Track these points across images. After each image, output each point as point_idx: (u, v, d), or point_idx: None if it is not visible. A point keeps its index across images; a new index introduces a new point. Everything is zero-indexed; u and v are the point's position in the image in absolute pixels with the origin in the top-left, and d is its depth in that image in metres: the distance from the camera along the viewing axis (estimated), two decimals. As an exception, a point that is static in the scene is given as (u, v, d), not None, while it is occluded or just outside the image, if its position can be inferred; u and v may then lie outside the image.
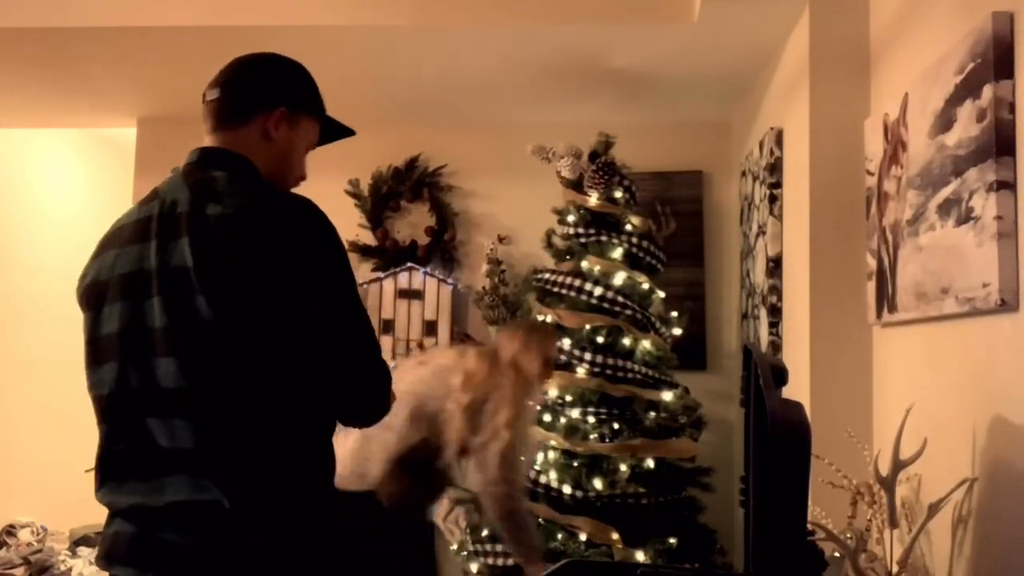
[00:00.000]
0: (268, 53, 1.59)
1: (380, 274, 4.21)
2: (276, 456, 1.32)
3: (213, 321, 1.29)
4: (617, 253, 3.39)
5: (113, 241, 1.46)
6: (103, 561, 1.37)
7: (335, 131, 1.71)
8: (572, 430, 3.19)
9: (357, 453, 2.46)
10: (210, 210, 1.34)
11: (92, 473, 1.43)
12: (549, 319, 3.40)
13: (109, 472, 1.38)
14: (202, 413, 1.30)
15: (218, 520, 1.29)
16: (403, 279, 4.21)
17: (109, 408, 1.40)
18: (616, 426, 3.21)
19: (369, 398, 1.41)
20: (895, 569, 2.12)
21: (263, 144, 1.49)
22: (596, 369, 3.23)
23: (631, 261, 3.40)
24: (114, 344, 1.38)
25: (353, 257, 4.10)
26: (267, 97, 1.51)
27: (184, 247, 1.32)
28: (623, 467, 3.13)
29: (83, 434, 5.65)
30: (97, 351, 1.43)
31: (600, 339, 3.26)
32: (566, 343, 3.28)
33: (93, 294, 1.46)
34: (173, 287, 1.32)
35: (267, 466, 1.31)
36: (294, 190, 1.51)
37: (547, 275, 3.46)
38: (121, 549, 1.34)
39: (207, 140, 1.52)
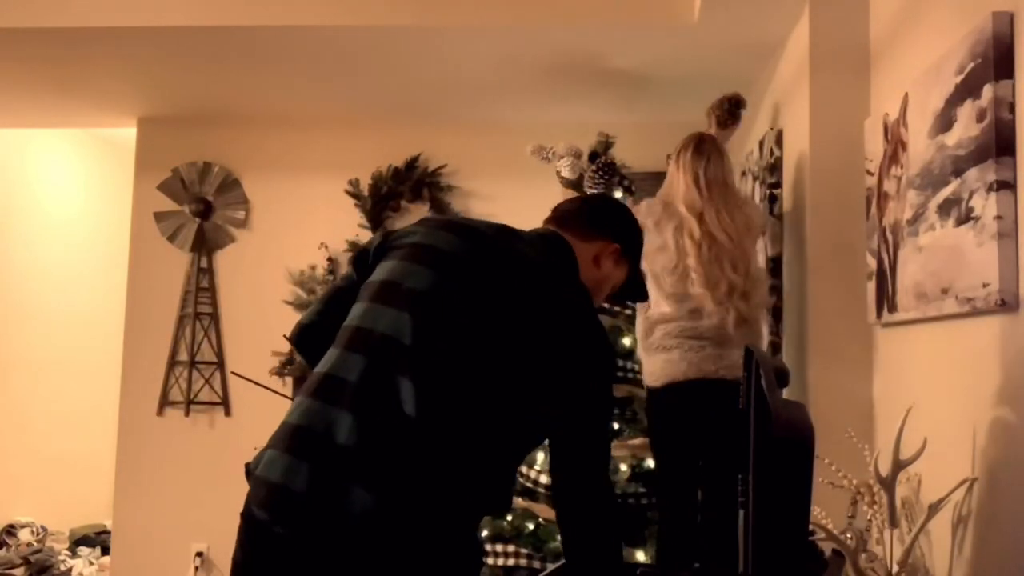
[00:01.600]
0: (625, 205, 1.91)
1: (380, 274, 4.21)
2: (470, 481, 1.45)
3: (480, 350, 1.46)
4: (617, 253, 3.39)
5: (451, 228, 1.63)
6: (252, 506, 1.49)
7: (631, 290, 1.89)
8: (572, 430, 3.18)
9: None
10: (526, 257, 1.57)
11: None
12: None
13: (309, 388, 1.51)
14: (426, 403, 1.41)
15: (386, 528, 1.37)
16: (403, 279, 4.21)
17: (355, 344, 1.51)
18: (616, 426, 3.21)
19: (584, 498, 1.54)
20: (895, 569, 2.13)
21: (591, 267, 1.71)
22: (596, 369, 3.23)
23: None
24: (410, 299, 1.51)
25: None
26: (613, 232, 1.75)
27: (493, 278, 1.53)
28: (623, 467, 3.13)
29: (83, 434, 5.68)
30: (388, 295, 1.54)
31: (600, 339, 3.26)
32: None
33: (415, 250, 1.58)
34: (462, 303, 1.51)
35: (446, 484, 1.42)
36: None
37: (547, 275, 3.46)
38: (266, 493, 1.46)
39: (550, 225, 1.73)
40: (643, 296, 1.93)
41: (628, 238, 1.77)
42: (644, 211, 2.78)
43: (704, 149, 2.88)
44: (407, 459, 1.39)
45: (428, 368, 1.43)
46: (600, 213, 1.76)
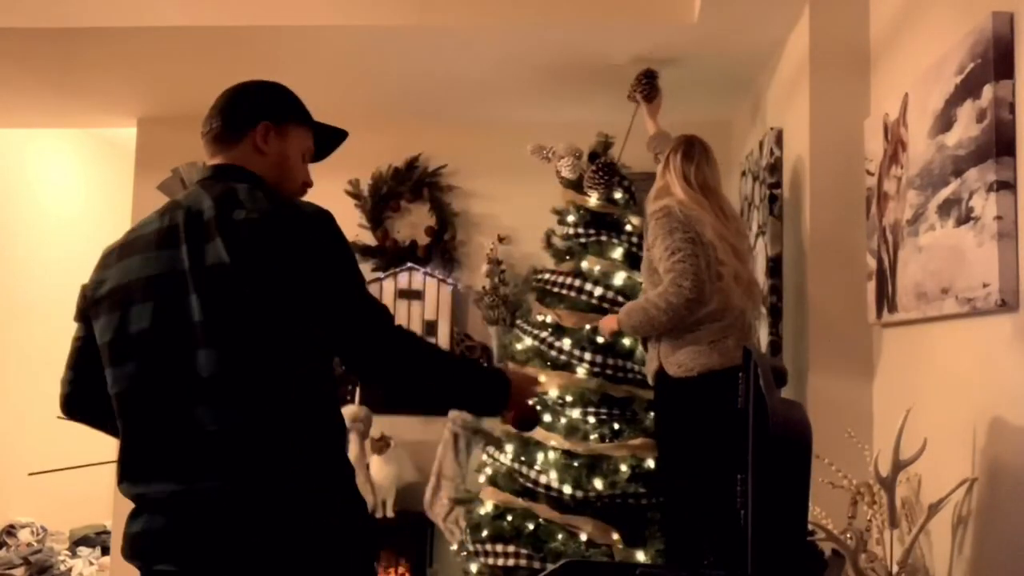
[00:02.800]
0: (250, 81, 1.75)
1: (380, 274, 4.21)
2: (307, 433, 1.47)
3: (255, 310, 1.43)
4: (617, 253, 3.39)
5: (132, 249, 1.56)
6: (134, 553, 1.49)
7: (331, 137, 1.85)
8: (572, 430, 3.19)
9: None
10: (236, 215, 1.48)
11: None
12: (549, 319, 3.40)
13: (133, 467, 1.50)
14: (242, 399, 1.43)
15: (265, 499, 1.42)
16: (403, 279, 4.21)
17: (140, 401, 1.49)
18: (616, 426, 3.21)
19: (389, 353, 1.54)
20: (895, 569, 2.12)
21: (257, 157, 1.63)
22: (596, 369, 3.23)
23: (631, 261, 3.40)
24: (148, 339, 1.48)
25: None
26: (251, 116, 1.65)
27: (219, 247, 1.45)
28: (623, 467, 3.13)
29: (83, 434, 5.64)
30: (125, 347, 1.51)
31: (600, 339, 3.26)
32: (566, 343, 3.29)
33: (116, 298, 1.54)
34: (211, 284, 1.45)
35: (302, 444, 1.46)
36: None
37: (547, 275, 3.46)
38: (158, 543, 1.45)
39: (212, 162, 1.65)
40: (339, 132, 1.87)
41: (268, 108, 1.68)
42: (675, 214, 2.77)
43: (691, 151, 2.92)
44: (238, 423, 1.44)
45: (231, 338, 1.44)
46: (230, 112, 1.65)
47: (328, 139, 1.84)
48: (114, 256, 1.59)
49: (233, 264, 1.43)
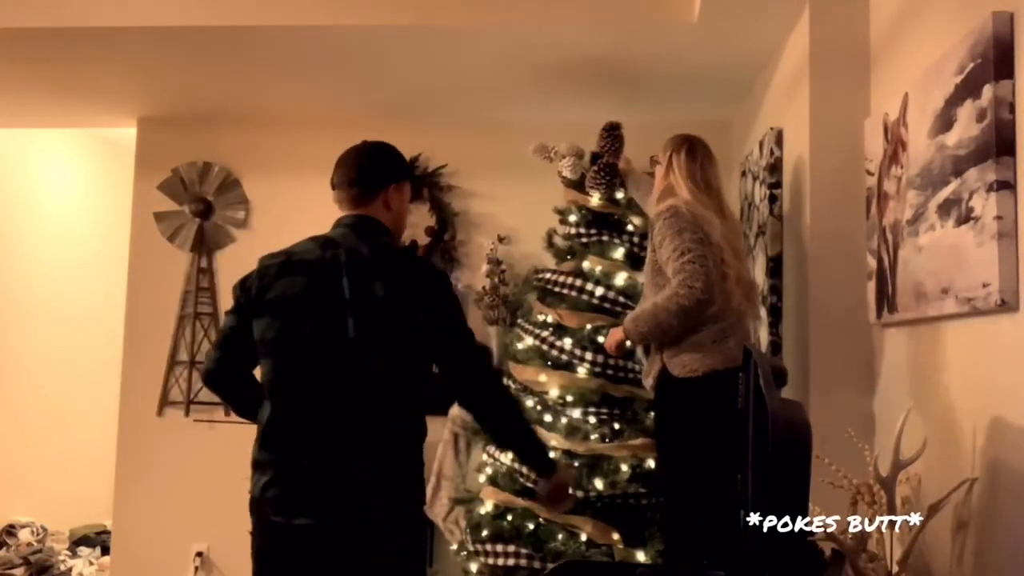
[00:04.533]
0: (376, 145, 2.21)
1: (380, 274, 4.21)
2: (416, 429, 2.02)
3: (398, 336, 1.96)
4: (618, 253, 3.39)
5: (293, 269, 2.02)
6: (275, 509, 1.93)
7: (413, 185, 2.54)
8: (573, 430, 3.19)
9: None
10: (388, 260, 2.02)
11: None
12: (550, 319, 3.40)
13: (277, 438, 1.96)
14: (377, 397, 1.95)
15: (383, 472, 1.93)
16: (403, 279, 4.21)
17: (290, 390, 1.97)
18: (617, 426, 3.21)
19: (479, 375, 2.10)
20: (895, 569, 2.12)
21: (385, 211, 2.13)
22: (597, 369, 3.23)
23: (632, 261, 3.40)
24: (311, 344, 1.95)
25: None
26: (382, 180, 2.14)
27: (379, 286, 1.97)
28: (624, 467, 3.13)
29: (83, 434, 5.67)
30: (289, 346, 1.97)
31: (601, 339, 3.26)
32: (567, 343, 3.29)
33: (280, 306, 1.99)
34: (369, 311, 1.96)
35: (411, 436, 2.01)
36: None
37: (548, 275, 3.46)
38: (298, 502, 1.92)
39: (352, 211, 2.13)
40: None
41: (392, 170, 2.16)
42: (684, 213, 2.75)
43: (694, 151, 2.91)
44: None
45: (378, 353, 1.96)
46: (366, 174, 2.12)
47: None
48: (274, 270, 2.03)
49: (387, 298, 1.95)
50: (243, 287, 2.05)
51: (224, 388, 2.12)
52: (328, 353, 1.93)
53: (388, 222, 2.12)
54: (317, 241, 2.05)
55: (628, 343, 2.90)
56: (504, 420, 2.14)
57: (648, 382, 2.87)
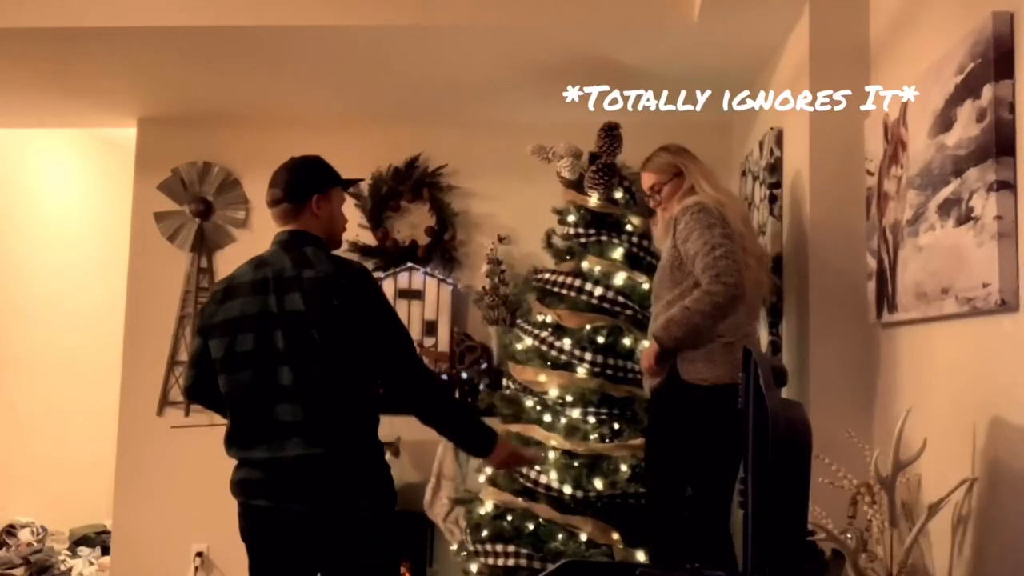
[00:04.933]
0: (296, 161, 2.42)
1: (380, 274, 4.20)
2: (353, 423, 2.21)
3: (319, 343, 2.16)
4: (617, 253, 3.39)
5: (234, 292, 2.27)
6: (239, 493, 2.25)
7: (353, 181, 2.56)
8: (572, 430, 3.19)
9: None
10: (306, 273, 2.21)
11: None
12: (549, 319, 3.40)
13: (239, 439, 2.25)
14: (310, 399, 2.16)
15: (325, 464, 2.16)
16: (403, 279, 4.21)
17: (243, 398, 2.23)
18: (616, 426, 3.21)
19: (414, 385, 2.26)
20: (895, 569, 2.12)
21: (315, 220, 2.34)
22: (597, 369, 3.23)
23: (631, 261, 3.40)
24: (250, 358, 2.21)
25: (353, 257, 4.10)
26: (306, 192, 2.34)
27: (296, 298, 2.18)
28: (624, 467, 3.13)
29: (83, 434, 5.66)
30: (235, 362, 2.23)
31: (601, 339, 3.26)
32: (567, 343, 3.29)
33: (226, 327, 2.25)
34: (291, 322, 2.18)
35: (348, 429, 2.20)
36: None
37: (547, 275, 3.46)
38: (255, 487, 2.21)
39: (285, 226, 2.34)
40: (356, 180, 2.65)
41: (315, 181, 2.36)
42: (713, 200, 2.75)
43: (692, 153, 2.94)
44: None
45: (302, 361, 2.18)
46: (291, 190, 2.33)
47: (351, 182, 2.52)
48: (220, 295, 2.29)
49: (305, 310, 2.16)
50: (201, 312, 2.35)
51: (203, 400, 2.41)
52: (265, 365, 2.19)
53: (320, 230, 2.34)
54: (252, 263, 2.30)
55: (664, 353, 2.72)
56: (433, 406, 2.30)
57: (651, 383, 2.80)
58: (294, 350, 2.16)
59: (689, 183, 2.85)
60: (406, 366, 2.24)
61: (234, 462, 2.31)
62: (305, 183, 2.34)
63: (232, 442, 2.28)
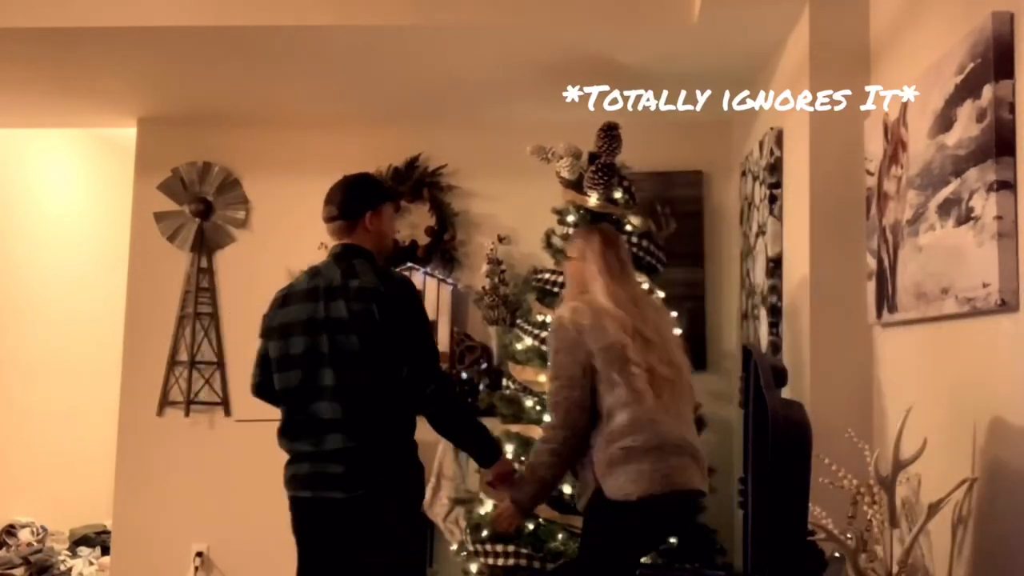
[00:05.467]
0: (353, 178, 2.58)
1: (380, 274, 4.20)
2: (388, 422, 2.36)
3: (359, 348, 2.32)
4: (617, 253, 3.38)
5: (291, 300, 2.45)
6: (290, 486, 2.40)
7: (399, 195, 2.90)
8: (572, 430, 3.18)
9: None
10: (352, 284, 2.37)
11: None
12: (549, 319, 3.40)
13: (288, 432, 2.42)
14: (348, 399, 2.32)
15: (359, 457, 2.32)
16: (403, 279, 4.20)
17: (292, 396, 2.40)
18: (616, 426, 3.20)
19: (433, 395, 2.38)
20: (895, 569, 2.12)
21: (367, 235, 2.49)
22: (596, 369, 3.22)
23: (631, 261, 3.40)
24: (299, 359, 2.38)
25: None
26: (359, 209, 2.49)
27: (341, 306, 2.35)
28: (623, 467, 3.12)
29: (83, 434, 5.66)
30: (287, 362, 2.41)
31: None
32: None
33: (282, 329, 2.44)
34: (335, 328, 2.34)
35: (384, 427, 2.35)
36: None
37: (547, 275, 3.46)
38: (301, 480, 2.36)
39: (340, 240, 2.50)
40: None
41: (367, 199, 2.50)
42: (577, 314, 2.52)
43: (608, 237, 2.68)
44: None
45: (343, 363, 2.34)
46: (346, 207, 2.48)
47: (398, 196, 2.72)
48: (279, 301, 2.49)
49: (349, 317, 2.33)
50: (264, 317, 2.52)
51: (266, 397, 2.55)
52: (311, 366, 2.36)
53: (371, 244, 2.49)
54: (309, 272, 2.48)
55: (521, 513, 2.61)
56: (452, 417, 2.46)
57: (581, 503, 2.55)
58: (336, 354, 2.33)
59: (584, 275, 2.62)
60: (428, 375, 2.37)
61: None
62: (358, 201, 2.50)
63: (283, 434, 2.45)
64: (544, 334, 3.34)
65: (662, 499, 2.34)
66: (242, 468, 4.15)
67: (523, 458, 3.24)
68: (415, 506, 2.46)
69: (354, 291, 2.35)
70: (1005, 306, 1.83)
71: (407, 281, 2.45)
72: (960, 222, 2.00)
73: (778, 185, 3.20)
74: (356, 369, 2.32)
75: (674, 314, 3.53)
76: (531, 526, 3.19)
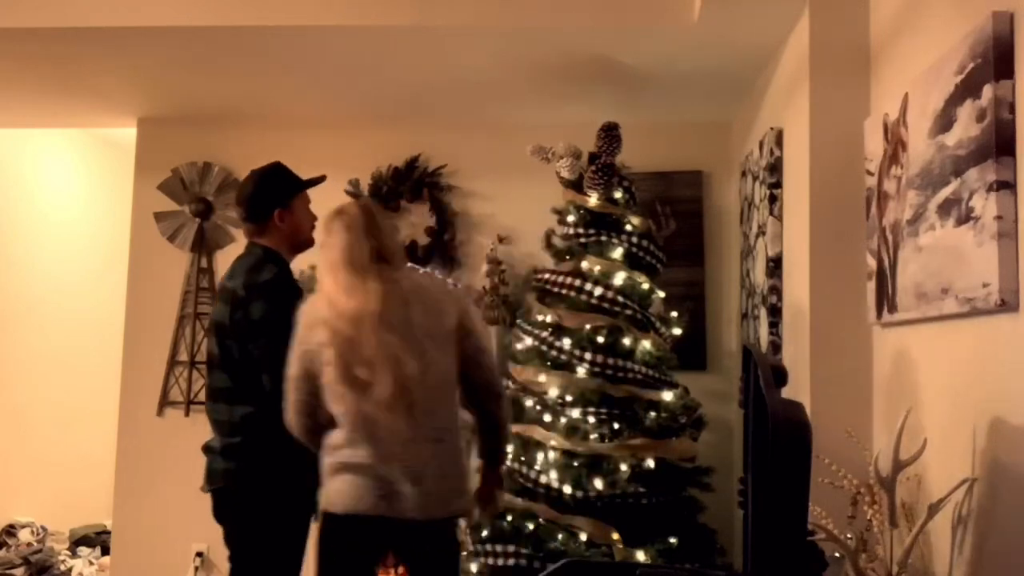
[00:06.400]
0: (256, 173, 2.54)
1: (380, 274, 4.20)
2: (264, 414, 2.37)
3: (234, 349, 2.45)
4: (617, 253, 3.39)
5: (218, 296, 2.59)
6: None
7: (313, 182, 2.62)
8: (572, 430, 3.19)
9: None
10: (236, 287, 2.45)
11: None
12: (549, 319, 3.40)
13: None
14: (233, 399, 2.46)
15: (239, 454, 2.46)
16: (403, 279, 4.20)
17: (207, 394, 2.59)
18: (616, 426, 3.21)
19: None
20: (895, 569, 2.12)
21: (282, 233, 2.50)
22: (596, 369, 3.23)
23: (631, 261, 3.40)
24: (210, 359, 2.57)
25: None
26: (267, 209, 2.48)
27: (234, 309, 2.44)
28: (623, 467, 3.13)
29: (83, 434, 5.65)
30: (206, 365, 2.62)
31: (600, 339, 3.26)
32: (566, 343, 3.29)
33: (210, 327, 2.63)
34: (221, 329, 2.49)
35: (259, 422, 2.42)
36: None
37: (547, 275, 3.46)
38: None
39: (251, 239, 2.55)
40: (319, 179, 2.61)
41: (276, 196, 2.49)
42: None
43: (352, 223, 2.23)
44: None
45: (229, 369, 2.49)
46: (251, 209, 2.49)
47: (310, 184, 2.60)
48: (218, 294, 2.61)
49: (233, 320, 2.43)
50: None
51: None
52: (219, 367, 2.49)
53: (285, 241, 2.50)
54: (228, 270, 2.56)
55: None
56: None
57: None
58: (225, 354, 2.47)
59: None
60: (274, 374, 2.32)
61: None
62: (265, 200, 2.48)
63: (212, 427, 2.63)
64: (544, 334, 3.35)
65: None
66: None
67: (523, 458, 3.25)
68: (287, 495, 2.42)
69: (242, 293, 2.42)
70: (1005, 306, 1.83)
71: (269, 281, 2.42)
72: (960, 222, 2.00)
73: (778, 185, 3.20)
74: (237, 369, 2.44)
75: (674, 314, 3.56)
76: (531, 526, 3.19)
